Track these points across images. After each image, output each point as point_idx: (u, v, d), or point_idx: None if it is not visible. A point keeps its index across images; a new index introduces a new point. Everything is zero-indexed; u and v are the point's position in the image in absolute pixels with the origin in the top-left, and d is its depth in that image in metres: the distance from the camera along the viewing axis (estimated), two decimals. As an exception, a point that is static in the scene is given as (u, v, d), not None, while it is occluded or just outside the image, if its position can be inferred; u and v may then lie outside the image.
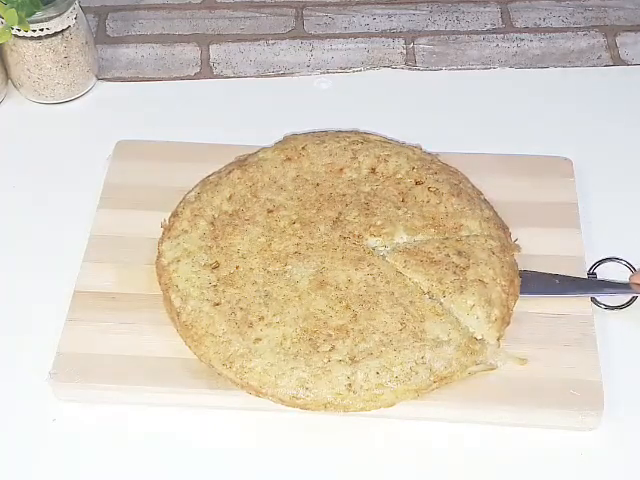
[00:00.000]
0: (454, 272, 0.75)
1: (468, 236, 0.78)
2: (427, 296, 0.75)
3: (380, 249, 0.78)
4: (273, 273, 0.76)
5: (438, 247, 0.77)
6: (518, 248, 0.79)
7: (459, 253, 0.76)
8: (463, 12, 1.07)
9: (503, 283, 0.75)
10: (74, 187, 0.89)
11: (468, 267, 0.75)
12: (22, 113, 0.96)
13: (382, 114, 0.94)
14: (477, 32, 1.04)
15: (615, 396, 0.73)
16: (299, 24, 1.06)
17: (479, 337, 0.73)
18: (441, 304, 0.74)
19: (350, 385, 0.70)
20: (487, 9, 1.07)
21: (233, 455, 0.71)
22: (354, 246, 0.78)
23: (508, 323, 0.75)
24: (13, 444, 0.72)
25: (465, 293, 0.74)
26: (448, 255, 0.76)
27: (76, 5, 0.92)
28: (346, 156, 0.84)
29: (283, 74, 1.01)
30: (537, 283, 0.77)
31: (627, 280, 0.78)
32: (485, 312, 0.73)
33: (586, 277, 0.79)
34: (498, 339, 0.73)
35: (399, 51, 1.03)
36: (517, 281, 0.77)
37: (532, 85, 0.99)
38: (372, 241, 0.78)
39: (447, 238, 0.78)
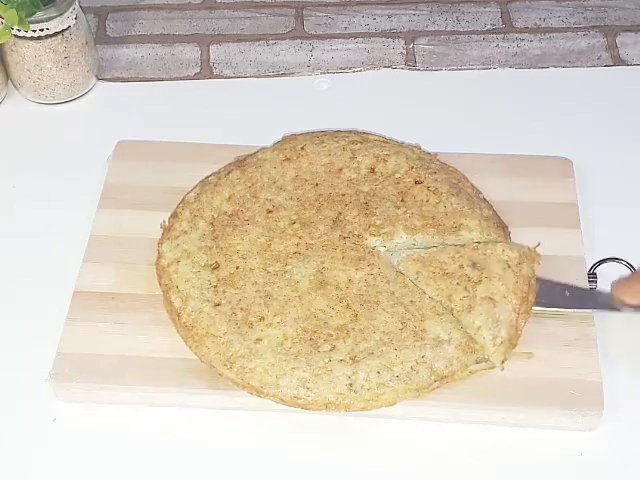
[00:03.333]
0: (465, 288, 0.74)
1: (486, 243, 0.77)
2: (427, 295, 0.75)
3: (380, 249, 0.78)
4: (273, 273, 0.76)
5: (453, 257, 0.76)
6: (539, 259, 0.77)
7: (473, 265, 0.75)
8: (463, 12, 1.07)
9: (514, 302, 0.74)
10: (74, 187, 0.89)
11: (480, 281, 0.74)
12: (22, 113, 0.96)
13: (382, 114, 0.94)
14: (477, 32, 1.04)
15: (615, 396, 0.73)
16: (299, 24, 1.06)
17: (485, 357, 0.72)
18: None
19: (351, 385, 0.70)
20: (487, 9, 1.07)
21: (233, 455, 0.71)
22: (354, 246, 0.78)
23: (515, 345, 0.73)
24: (13, 444, 0.72)
25: (473, 313, 0.73)
26: (462, 266, 0.75)
27: (76, 5, 0.92)
28: (345, 156, 0.84)
29: (283, 74, 1.01)
30: (547, 294, 0.75)
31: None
32: (491, 334, 0.72)
33: (592, 289, 0.78)
34: (502, 362, 0.72)
35: (399, 51, 1.03)
36: (531, 297, 0.75)
37: (532, 85, 0.99)
38: (372, 241, 0.78)
39: (464, 246, 0.77)
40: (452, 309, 0.73)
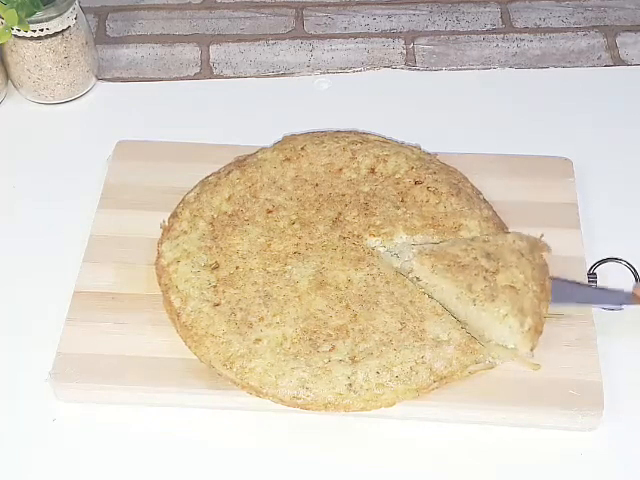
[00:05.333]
0: (484, 277, 0.73)
1: (496, 234, 0.77)
2: (427, 296, 0.75)
3: (380, 249, 0.78)
4: (273, 273, 0.76)
5: (465, 249, 0.75)
6: (548, 248, 0.78)
7: (487, 255, 0.75)
8: (463, 12, 1.07)
9: (535, 288, 0.74)
10: (74, 187, 0.89)
11: (498, 271, 0.74)
12: (22, 113, 0.96)
13: (382, 114, 0.94)
14: (477, 32, 1.04)
15: (615, 396, 0.73)
16: (299, 24, 1.06)
17: (511, 346, 0.72)
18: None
19: (350, 385, 0.70)
20: (487, 9, 1.07)
21: (233, 455, 0.71)
22: (354, 246, 0.78)
23: (541, 332, 0.73)
24: (13, 444, 0.72)
25: (497, 301, 0.72)
26: (476, 258, 0.75)
27: (76, 5, 0.92)
28: (345, 156, 0.84)
29: (283, 74, 1.01)
30: (567, 290, 0.76)
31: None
32: (518, 321, 0.72)
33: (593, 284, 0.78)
34: (531, 349, 0.72)
35: (399, 51, 1.03)
36: (548, 284, 0.75)
37: (532, 85, 0.99)
38: (371, 241, 0.78)
39: (473, 239, 0.77)
40: (474, 299, 0.73)
